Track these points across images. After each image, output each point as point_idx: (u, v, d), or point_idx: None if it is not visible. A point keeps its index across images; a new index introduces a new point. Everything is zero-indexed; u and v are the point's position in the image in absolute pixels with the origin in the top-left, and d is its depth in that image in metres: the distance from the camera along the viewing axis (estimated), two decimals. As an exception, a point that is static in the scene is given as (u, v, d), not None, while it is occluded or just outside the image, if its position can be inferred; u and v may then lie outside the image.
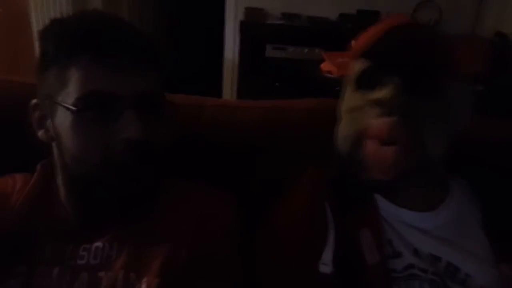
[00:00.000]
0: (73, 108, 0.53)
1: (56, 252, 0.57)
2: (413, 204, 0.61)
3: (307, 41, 2.33)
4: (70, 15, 0.58)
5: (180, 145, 0.71)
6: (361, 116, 0.58)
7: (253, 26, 2.39)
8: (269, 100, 0.82)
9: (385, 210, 0.60)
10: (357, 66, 0.61)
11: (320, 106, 0.80)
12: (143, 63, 0.56)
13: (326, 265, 0.55)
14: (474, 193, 0.65)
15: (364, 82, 0.59)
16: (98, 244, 0.58)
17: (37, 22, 2.36)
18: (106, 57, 0.53)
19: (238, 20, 2.47)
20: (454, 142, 0.59)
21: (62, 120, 0.55)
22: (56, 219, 0.60)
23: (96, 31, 0.54)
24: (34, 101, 0.60)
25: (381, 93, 0.55)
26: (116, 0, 2.59)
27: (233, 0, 2.52)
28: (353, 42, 0.65)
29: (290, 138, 0.77)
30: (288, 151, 0.76)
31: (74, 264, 0.57)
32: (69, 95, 0.54)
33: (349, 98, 0.62)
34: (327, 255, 0.55)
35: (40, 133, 0.60)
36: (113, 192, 0.55)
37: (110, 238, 0.58)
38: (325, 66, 1.71)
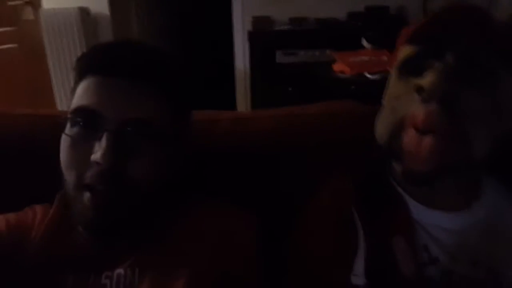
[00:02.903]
0: (63, 121, 0.54)
1: (78, 282, 0.56)
2: (447, 204, 0.57)
3: (317, 43, 2.31)
4: (99, 44, 0.60)
5: (195, 160, 0.70)
6: (403, 104, 0.54)
7: (262, 35, 2.39)
8: (283, 108, 0.80)
9: (417, 213, 0.56)
10: (403, 53, 0.58)
11: (335, 109, 0.77)
12: (142, 90, 0.54)
13: (358, 277, 0.52)
14: (507, 183, 0.60)
15: (408, 68, 0.56)
16: (120, 270, 0.56)
17: (51, 53, 2.44)
18: (106, 79, 0.54)
19: (246, 30, 2.47)
20: (503, 141, 0.54)
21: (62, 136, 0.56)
22: (75, 248, 0.59)
23: (104, 54, 0.56)
24: None
25: (423, 80, 0.51)
26: (125, 19, 2.65)
27: (239, 11, 2.54)
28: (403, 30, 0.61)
29: (307, 144, 0.74)
30: (307, 158, 0.74)
31: None
32: (69, 111, 0.55)
33: (393, 86, 0.59)
34: (359, 266, 0.52)
35: None
36: (83, 214, 0.53)
37: (131, 263, 0.57)
38: (337, 66, 1.69)
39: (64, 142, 0.54)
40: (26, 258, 0.57)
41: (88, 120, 0.53)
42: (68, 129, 0.54)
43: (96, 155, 0.50)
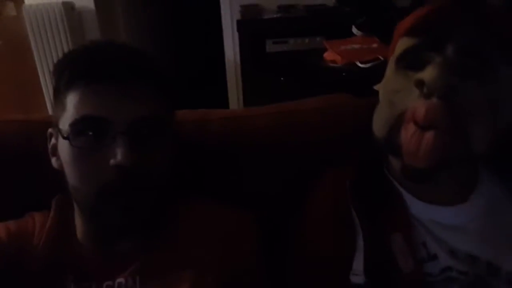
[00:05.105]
0: (65, 134, 0.54)
1: None
2: (445, 198, 0.56)
3: (307, 31, 2.28)
4: (78, 47, 0.59)
5: (189, 160, 0.69)
6: (402, 99, 0.53)
7: (250, 24, 2.36)
8: (276, 104, 0.79)
9: (415, 209, 0.56)
10: (401, 45, 0.57)
11: (330, 103, 0.76)
12: (140, 90, 0.55)
13: (357, 276, 0.51)
14: (502, 174, 0.60)
15: (407, 61, 0.55)
16: (121, 280, 0.56)
17: (37, 49, 2.39)
18: (100, 83, 0.53)
19: (234, 20, 2.44)
20: (502, 133, 0.53)
21: (62, 147, 0.56)
22: (76, 257, 0.59)
23: (94, 60, 0.55)
24: (50, 130, 0.62)
25: (423, 74, 0.50)
26: (110, 13, 2.60)
27: (227, 1, 2.50)
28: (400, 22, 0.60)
29: (303, 141, 0.74)
30: (302, 155, 0.73)
31: None
32: (66, 121, 0.55)
33: (390, 80, 0.58)
34: (358, 265, 0.52)
35: (53, 160, 0.61)
36: (110, 221, 0.54)
37: (132, 272, 0.57)
38: (328, 56, 1.67)
39: (73, 153, 0.53)
40: (27, 266, 0.57)
41: (96, 127, 0.53)
42: (73, 140, 0.53)
43: (117, 157, 0.50)
